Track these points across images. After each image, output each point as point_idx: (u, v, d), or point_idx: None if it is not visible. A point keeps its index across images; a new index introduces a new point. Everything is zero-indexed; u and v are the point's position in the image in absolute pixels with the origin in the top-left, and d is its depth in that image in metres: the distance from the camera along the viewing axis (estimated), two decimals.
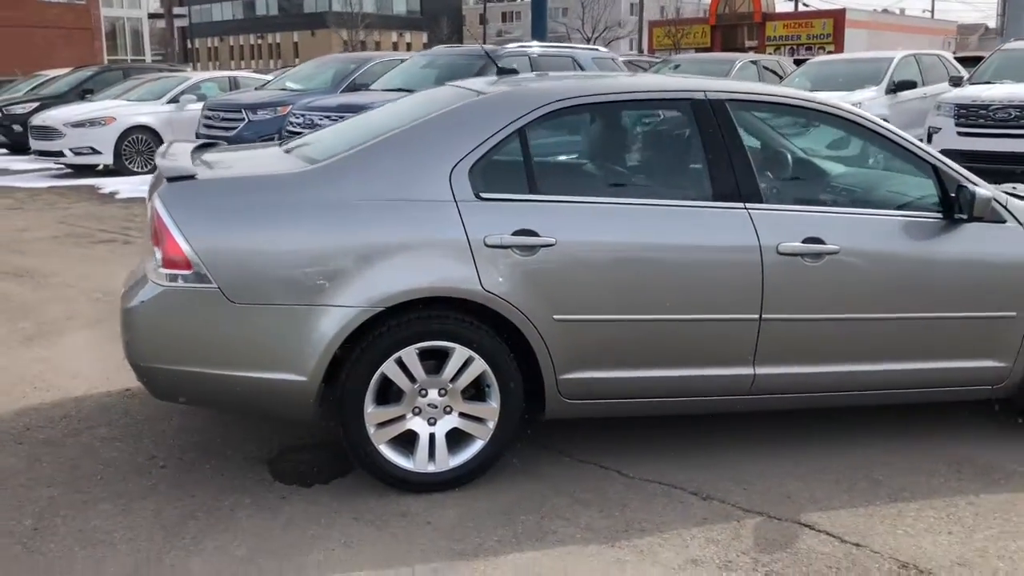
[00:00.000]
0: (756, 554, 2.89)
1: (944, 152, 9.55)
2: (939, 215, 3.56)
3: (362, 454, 3.19)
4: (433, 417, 3.22)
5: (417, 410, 3.20)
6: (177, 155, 3.55)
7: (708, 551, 2.91)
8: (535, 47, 11.55)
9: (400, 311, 3.08)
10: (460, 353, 3.15)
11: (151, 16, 52.03)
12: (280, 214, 3.07)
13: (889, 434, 3.81)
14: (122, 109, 13.51)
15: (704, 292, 3.30)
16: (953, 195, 3.53)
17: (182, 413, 3.94)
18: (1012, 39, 16.11)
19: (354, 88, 11.74)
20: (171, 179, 3.14)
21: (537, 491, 3.29)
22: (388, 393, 3.18)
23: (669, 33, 40.29)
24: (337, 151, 3.29)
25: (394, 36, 73.67)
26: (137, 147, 13.19)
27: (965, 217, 3.50)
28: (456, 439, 3.26)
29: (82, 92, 16.05)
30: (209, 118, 12.08)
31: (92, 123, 13.05)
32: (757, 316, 3.35)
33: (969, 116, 10.31)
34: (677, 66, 15.24)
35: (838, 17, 36.40)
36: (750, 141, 3.63)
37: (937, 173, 3.60)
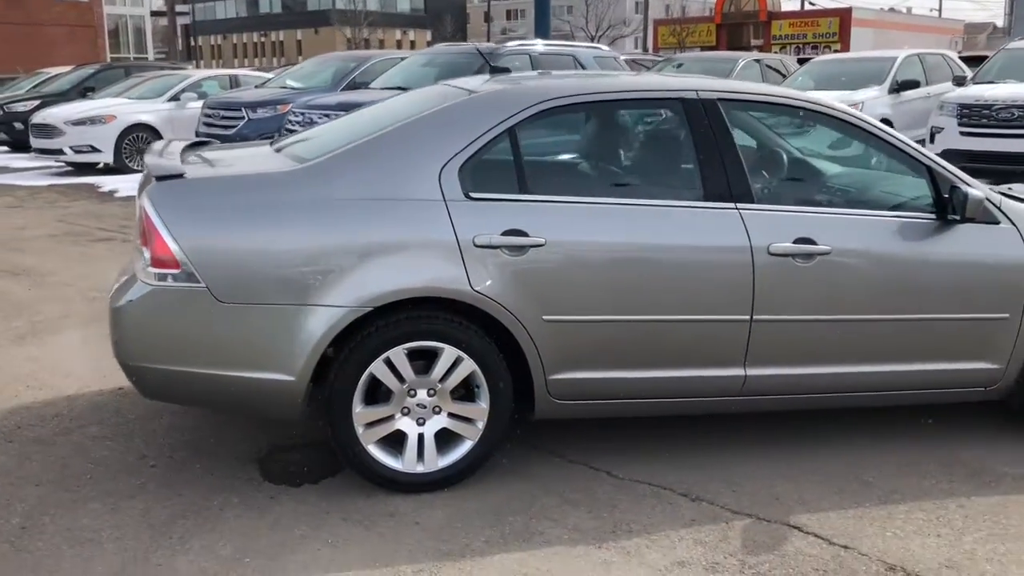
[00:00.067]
0: (743, 556, 2.88)
1: (947, 152, 9.60)
2: (932, 216, 3.54)
3: (350, 454, 3.18)
4: (422, 417, 3.21)
5: (406, 410, 3.20)
6: (166, 154, 3.54)
7: (695, 553, 2.90)
8: (536, 45, 11.54)
9: (389, 311, 3.07)
10: (449, 353, 3.15)
11: (154, 14, 52.00)
12: (269, 213, 3.07)
13: (881, 435, 3.80)
14: (122, 107, 13.52)
15: (695, 293, 3.29)
16: (946, 196, 3.51)
17: (173, 412, 3.94)
18: (1017, 38, 16.05)
19: (354, 86, 11.75)
20: (160, 178, 3.14)
21: (526, 491, 3.28)
22: (377, 393, 3.17)
23: (674, 32, 40.23)
24: (326, 150, 3.28)
25: (398, 34, 73.64)
26: (137, 145, 13.16)
27: (958, 218, 3.48)
28: (445, 439, 3.25)
29: (83, 90, 16.04)
30: (209, 116, 12.09)
31: (92, 121, 13.05)
32: (748, 317, 3.33)
33: (972, 116, 10.27)
34: (680, 65, 15.18)
35: (844, 16, 36.30)
36: (742, 141, 3.62)
37: (930, 173, 3.58)
